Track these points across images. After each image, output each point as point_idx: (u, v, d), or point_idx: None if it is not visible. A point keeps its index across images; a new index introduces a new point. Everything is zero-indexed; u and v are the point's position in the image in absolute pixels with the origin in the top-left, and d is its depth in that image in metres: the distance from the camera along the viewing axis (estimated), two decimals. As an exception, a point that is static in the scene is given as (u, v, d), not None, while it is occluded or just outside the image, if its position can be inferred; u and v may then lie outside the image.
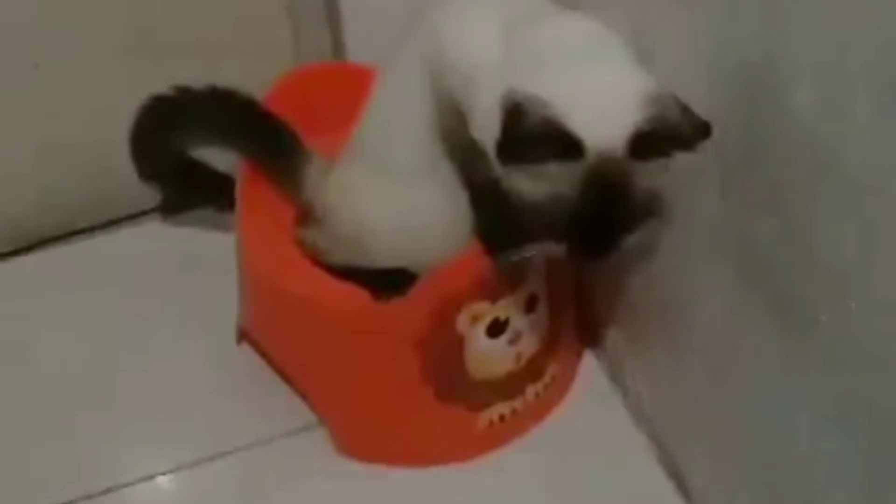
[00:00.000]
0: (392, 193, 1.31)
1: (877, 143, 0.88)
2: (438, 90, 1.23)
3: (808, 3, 0.92)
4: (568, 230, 1.08)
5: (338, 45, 1.70)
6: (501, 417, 1.44)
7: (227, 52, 1.64)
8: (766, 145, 1.03)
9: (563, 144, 1.04)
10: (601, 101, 1.06)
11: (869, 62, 0.86)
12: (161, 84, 1.45)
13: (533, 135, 1.05)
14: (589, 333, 1.56)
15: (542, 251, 1.13)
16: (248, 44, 1.66)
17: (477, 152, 1.17)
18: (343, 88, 1.49)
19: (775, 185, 1.03)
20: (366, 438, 1.45)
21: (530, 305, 1.39)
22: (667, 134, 1.05)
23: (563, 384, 1.51)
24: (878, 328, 0.94)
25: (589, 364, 1.55)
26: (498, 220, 1.20)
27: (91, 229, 1.73)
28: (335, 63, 1.68)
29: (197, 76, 1.46)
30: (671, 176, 1.10)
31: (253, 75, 1.52)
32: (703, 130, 1.04)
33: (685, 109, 1.06)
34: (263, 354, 1.53)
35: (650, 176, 1.07)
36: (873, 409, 0.98)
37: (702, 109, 1.05)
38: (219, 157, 1.52)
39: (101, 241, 1.73)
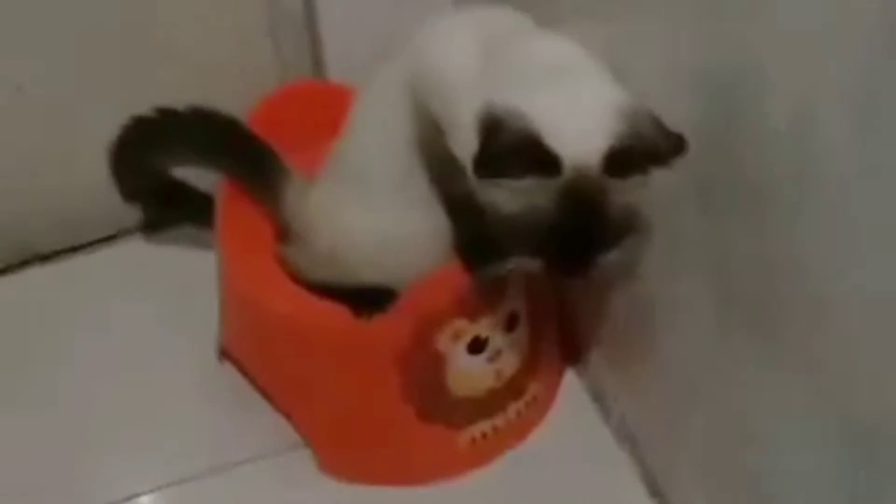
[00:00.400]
0: (371, 210, 1.31)
1: (850, 154, 0.88)
2: (419, 106, 1.23)
3: (781, 19, 0.92)
4: (544, 246, 1.09)
5: (318, 64, 1.70)
6: (483, 435, 1.44)
7: (209, 72, 1.64)
8: (743, 160, 1.03)
9: (540, 160, 1.05)
10: (578, 117, 1.06)
11: (839, 73, 0.87)
12: (143, 103, 1.45)
13: (510, 149, 1.05)
14: (571, 352, 1.56)
15: (519, 267, 1.14)
16: (229, 63, 1.66)
17: (455, 168, 1.17)
18: (324, 107, 1.49)
19: (753, 200, 1.04)
20: (348, 457, 1.44)
21: (511, 323, 1.39)
22: (642, 150, 1.06)
23: (544, 402, 1.51)
24: (856, 346, 0.94)
25: (571, 382, 1.55)
26: (476, 236, 1.20)
27: (72, 249, 1.73)
28: (316, 82, 1.68)
29: (179, 95, 1.46)
30: (651, 192, 1.11)
31: (235, 94, 1.51)
32: (678, 146, 1.05)
33: (660, 125, 1.06)
34: (245, 373, 1.52)
35: (627, 192, 1.07)
36: (852, 425, 0.98)
37: (679, 125, 1.06)
38: (200, 176, 1.52)
39: (81, 260, 1.72)
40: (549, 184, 1.05)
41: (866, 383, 0.94)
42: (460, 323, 1.34)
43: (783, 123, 0.95)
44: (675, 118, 1.07)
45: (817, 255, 0.96)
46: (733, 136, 1.03)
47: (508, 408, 1.45)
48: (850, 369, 0.96)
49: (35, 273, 1.71)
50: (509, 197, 1.07)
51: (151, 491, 1.46)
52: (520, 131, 1.05)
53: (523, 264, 1.12)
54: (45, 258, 1.72)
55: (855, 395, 0.96)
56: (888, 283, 0.87)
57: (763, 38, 0.96)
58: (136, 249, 1.70)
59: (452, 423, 1.42)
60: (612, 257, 1.11)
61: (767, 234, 1.03)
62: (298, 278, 1.40)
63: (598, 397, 1.51)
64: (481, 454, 1.45)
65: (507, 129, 1.05)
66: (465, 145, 1.11)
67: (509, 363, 1.41)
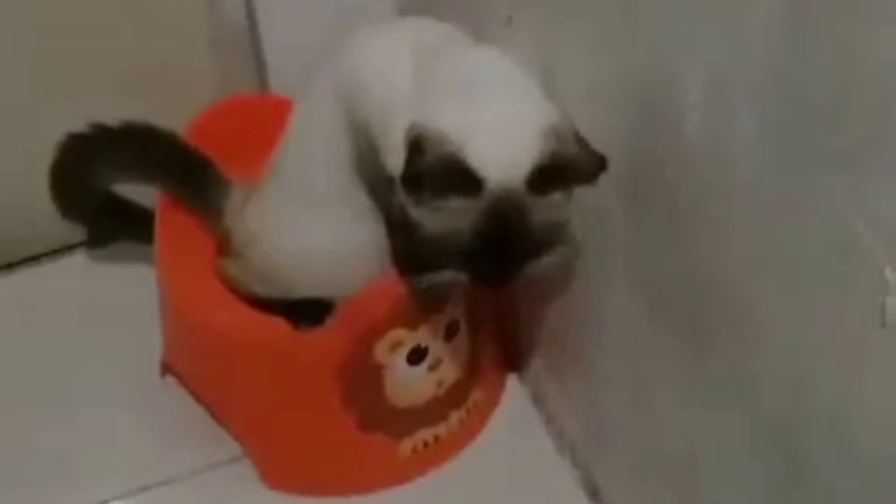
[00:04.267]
0: (308, 221, 1.32)
1: (763, 164, 0.90)
2: (352, 118, 1.24)
3: (693, 33, 0.94)
4: (469, 260, 1.10)
5: (262, 77, 1.71)
6: (425, 444, 1.45)
7: (153, 85, 1.63)
8: (665, 173, 1.05)
9: (464, 180, 1.06)
10: (502, 136, 1.08)
11: (750, 85, 0.89)
12: (83, 116, 1.45)
13: (433, 170, 1.07)
14: (513, 360, 1.57)
15: (448, 279, 1.15)
16: (172, 76, 1.66)
17: (390, 180, 1.18)
18: (265, 119, 1.49)
19: (675, 211, 1.06)
20: (290, 469, 1.45)
21: (450, 332, 1.40)
22: (565, 169, 1.08)
23: (486, 410, 1.52)
24: (779, 352, 0.96)
25: (513, 390, 1.56)
26: (409, 247, 1.21)
27: (11, 265, 1.72)
28: (257, 95, 1.69)
29: (122, 108, 1.46)
30: (582, 205, 1.13)
31: (178, 107, 1.52)
32: (600, 164, 1.06)
33: (584, 144, 1.08)
34: (187, 386, 1.53)
35: (551, 208, 1.09)
36: (778, 430, 0.99)
37: (603, 139, 1.07)
38: (140, 191, 1.52)
39: (21, 276, 1.71)
40: (474, 202, 1.07)
41: (790, 387, 0.96)
42: (399, 333, 1.35)
43: (698, 134, 0.97)
44: (601, 130, 1.09)
45: (735, 261, 0.98)
46: (654, 148, 1.05)
47: (450, 416, 1.46)
48: (775, 374, 0.98)
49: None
50: (435, 214, 1.09)
51: (95, 505, 1.46)
52: (443, 152, 1.06)
53: (451, 276, 1.14)
54: (-15, 273, 1.72)
55: (779, 401, 0.98)
56: (807, 288, 0.89)
57: (676, 55, 0.98)
58: (79, 265, 1.70)
59: (394, 432, 1.43)
60: (535, 268, 1.12)
61: (690, 242, 1.05)
62: (238, 292, 1.40)
63: (539, 403, 1.53)
64: (424, 462, 1.46)
65: (431, 150, 1.06)
66: (395, 161, 1.12)
67: (450, 372, 1.42)
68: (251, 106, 1.61)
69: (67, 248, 1.72)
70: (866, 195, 0.79)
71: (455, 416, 1.46)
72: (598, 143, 1.08)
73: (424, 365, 1.39)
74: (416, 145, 1.07)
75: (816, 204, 0.84)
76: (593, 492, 1.42)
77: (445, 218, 1.08)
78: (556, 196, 1.09)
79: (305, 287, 1.36)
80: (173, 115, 1.49)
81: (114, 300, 1.62)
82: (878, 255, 0.79)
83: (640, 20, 1.03)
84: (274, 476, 1.45)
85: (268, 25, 1.65)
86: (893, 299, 0.79)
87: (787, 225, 0.90)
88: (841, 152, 0.81)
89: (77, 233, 1.61)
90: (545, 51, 1.19)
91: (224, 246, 1.44)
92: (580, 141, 1.08)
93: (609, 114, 1.12)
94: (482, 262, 1.10)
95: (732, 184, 0.95)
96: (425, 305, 1.35)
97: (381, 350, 1.34)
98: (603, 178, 1.08)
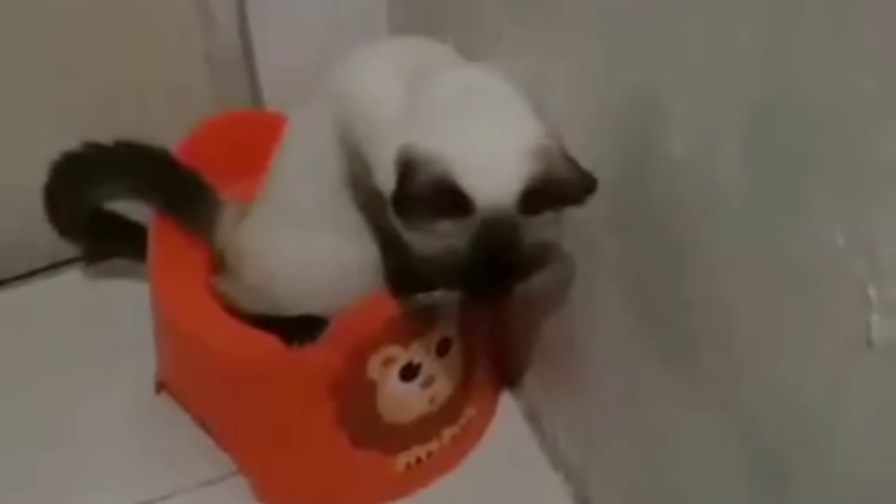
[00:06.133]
0: (300, 239, 1.32)
1: (746, 186, 0.91)
2: (344, 138, 1.24)
3: (679, 56, 0.95)
4: (461, 279, 1.11)
5: (256, 93, 1.71)
6: (418, 460, 1.45)
7: (147, 100, 1.65)
8: (653, 194, 1.06)
9: (455, 202, 1.06)
10: (492, 158, 1.08)
11: (734, 108, 0.90)
12: (78, 132, 1.46)
13: (424, 193, 1.07)
14: (506, 376, 1.57)
15: (441, 297, 1.15)
16: (167, 93, 1.67)
17: (382, 199, 1.18)
18: (259, 136, 1.48)
19: (662, 230, 1.06)
20: (283, 485, 1.45)
21: (443, 349, 1.40)
22: (556, 190, 1.08)
23: (479, 426, 1.52)
24: (758, 362, 0.97)
25: (507, 406, 1.57)
26: (402, 266, 1.21)
27: (8, 280, 1.73)
28: (251, 111, 1.69)
29: (116, 124, 1.47)
30: (570, 223, 1.13)
31: (172, 123, 1.53)
32: (589, 185, 1.07)
33: (574, 164, 1.08)
34: (181, 403, 1.53)
35: (541, 227, 1.09)
36: (764, 451, 1.00)
37: (589, 158, 1.08)
38: (134, 208, 1.52)
39: (17, 291, 1.72)
40: (465, 223, 1.07)
41: (777, 407, 0.96)
42: (392, 349, 1.35)
43: (683, 153, 0.98)
44: (587, 150, 1.09)
45: (719, 277, 0.99)
46: (640, 167, 1.06)
47: (443, 432, 1.46)
48: (761, 394, 0.98)
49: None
50: (426, 235, 1.09)
51: (89, 522, 1.46)
52: (433, 175, 1.06)
53: (445, 295, 1.14)
54: (-22, 290, 1.72)
55: (767, 421, 0.99)
56: (792, 308, 0.90)
57: (661, 76, 0.98)
58: (74, 281, 1.70)
59: (387, 448, 1.43)
60: (532, 284, 1.13)
61: (677, 262, 1.05)
62: (232, 309, 1.41)
63: (533, 419, 1.53)
64: (417, 479, 1.46)
65: (422, 172, 1.06)
66: (388, 181, 1.12)
67: (443, 388, 1.42)
68: (245, 121, 1.61)
69: (62, 264, 1.72)
70: (849, 215, 0.80)
71: (448, 433, 1.47)
72: (585, 163, 1.08)
73: (417, 381, 1.39)
74: (407, 168, 1.07)
75: (800, 224, 0.85)
76: (586, 506, 1.43)
77: (437, 239, 1.08)
78: (547, 215, 1.09)
79: (298, 304, 1.36)
80: (168, 131, 1.50)
81: (108, 316, 1.63)
82: (862, 274, 0.79)
83: (625, 42, 1.04)
84: (268, 492, 1.45)
85: (262, 43, 1.65)
86: (878, 317, 0.80)
87: (771, 245, 0.90)
88: (824, 174, 0.82)
89: (71, 249, 1.62)
90: (534, 69, 1.20)
91: (217, 263, 1.44)
92: (570, 161, 1.08)
93: (595, 133, 1.12)
94: (474, 282, 1.10)
95: (717, 205, 0.96)
96: (417, 322, 1.35)
97: (373, 366, 1.35)
98: (586, 202, 1.08)
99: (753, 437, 1.01)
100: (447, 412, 1.45)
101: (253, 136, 1.52)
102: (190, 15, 1.65)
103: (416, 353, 1.37)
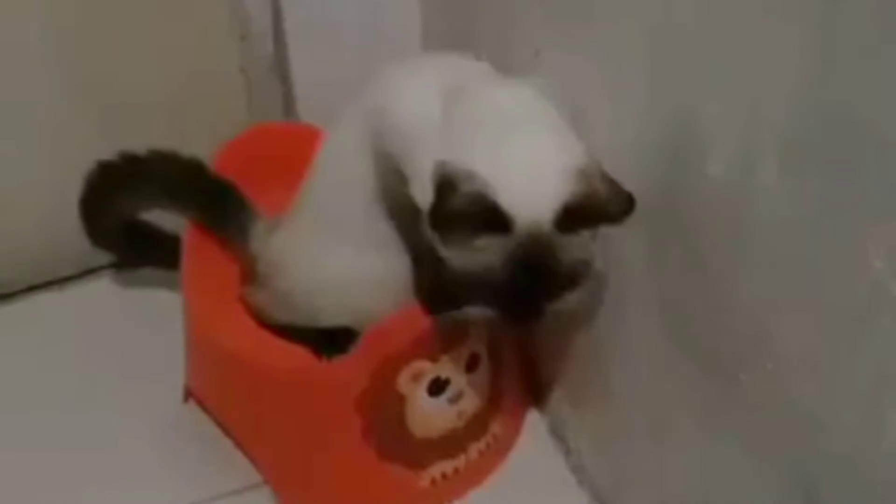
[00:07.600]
0: (333, 252, 1.33)
1: (785, 206, 0.91)
2: (380, 151, 1.25)
3: (717, 75, 0.95)
4: (496, 297, 1.11)
5: (289, 105, 1.73)
6: (444, 475, 1.45)
7: (182, 111, 1.66)
8: (688, 212, 1.06)
9: (493, 219, 1.07)
10: (531, 175, 1.08)
11: (774, 128, 0.90)
12: (113, 143, 1.47)
13: (463, 210, 1.07)
14: (533, 391, 1.57)
15: (475, 313, 1.15)
16: (202, 103, 1.68)
17: (416, 213, 1.19)
18: (293, 148, 1.51)
19: (696, 249, 1.06)
20: (310, 497, 1.45)
21: (472, 364, 1.40)
22: (593, 209, 1.08)
23: (506, 442, 1.52)
24: (793, 386, 0.96)
25: (533, 422, 1.57)
26: (436, 282, 1.22)
27: (39, 287, 1.74)
28: (285, 123, 1.71)
29: (151, 135, 1.48)
30: (604, 240, 1.13)
31: (207, 134, 1.54)
32: (628, 205, 1.07)
33: (612, 183, 1.08)
34: (209, 412, 1.54)
35: (577, 246, 1.09)
36: (794, 470, 1.00)
37: (626, 176, 1.08)
38: (167, 217, 1.53)
39: (49, 298, 1.73)
40: (502, 241, 1.07)
41: (809, 426, 0.96)
42: (421, 364, 1.35)
43: (720, 174, 0.98)
44: (624, 168, 1.09)
45: (753, 297, 0.99)
46: (677, 187, 1.06)
47: (469, 448, 1.46)
48: (794, 412, 0.98)
49: (1, 312, 1.72)
50: (463, 252, 1.09)
51: (114, 529, 1.46)
52: (473, 192, 1.06)
53: (478, 311, 1.14)
54: (9, 296, 1.73)
55: (797, 440, 0.98)
56: (829, 327, 0.90)
57: (701, 98, 0.99)
58: (105, 288, 1.72)
59: (413, 463, 1.43)
60: (566, 303, 1.13)
61: (711, 280, 1.05)
62: (262, 319, 1.41)
63: (559, 435, 1.53)
64: (442, 494, 1.46)
65: (460, 188, 1.07)
66: (425, 195, 1.13)
67: (470, 404, 1.43)
68: (278, 134, 1.63)
69: (93, 272, 1.74)
70: (889, 238, 0.80)
71: (475, 448, 1.47)
72: (621, 180, 1.09)
73: (445, 396, 1.39)
74: (446, 184, 1.07)
75: (837, 244, 0.85)
76: (612, 524, 1.42)
77: (474, 256, 1.09)
78: (584, 234, 1.09)
79: (329, 316, 1.36)
80: (203, 142, 1.51)
81: (138, 325, 1.64)
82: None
83: (664, 60, 1.04)
84: (294, 503, 1.45)
85: (297, 57, 1.67)
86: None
87: (808, 264, 0.90)
88: (862, 193, 0.81)
89: (102, 257, 1.63)
90: (571, 86, 1.20)
91: (249, 274, 1.45)
92: (608, 180, 1.08)
93: (631, 151, 1.12)
94: (510, 300, 1.10)
95: (754, 224, 0.96)
96: (447, 337, 1.35)
97: (403, 380, 1.35)
98: (624, 221, 1.08)
99: (786, 463, 1.01)
100: (474, 427, 1.45)
101: (286, 148, 1.53)
102: (226, 28, 1.66)
103: (445, 368, 1.37)
